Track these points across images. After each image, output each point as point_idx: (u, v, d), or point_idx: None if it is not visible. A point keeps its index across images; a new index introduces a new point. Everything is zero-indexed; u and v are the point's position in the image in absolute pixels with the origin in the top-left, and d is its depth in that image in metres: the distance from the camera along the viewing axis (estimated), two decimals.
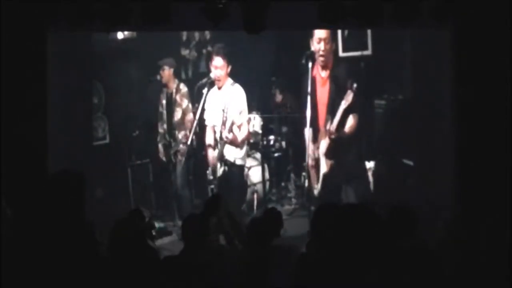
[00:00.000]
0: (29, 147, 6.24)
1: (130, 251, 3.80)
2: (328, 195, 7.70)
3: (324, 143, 7.76)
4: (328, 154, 7.76)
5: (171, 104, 8.64)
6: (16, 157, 6.15)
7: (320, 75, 7.80)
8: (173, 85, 8.64)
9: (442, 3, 6.24)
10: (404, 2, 6.18)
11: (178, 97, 8.57)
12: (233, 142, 7.79)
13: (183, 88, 8.61)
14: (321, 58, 7.70)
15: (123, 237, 3.85)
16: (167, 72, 8.62)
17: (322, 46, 7.65)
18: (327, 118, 7.72)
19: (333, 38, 7.91)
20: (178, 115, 8.59)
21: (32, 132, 6.29)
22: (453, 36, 6.68)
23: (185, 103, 8.55)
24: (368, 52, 8.61)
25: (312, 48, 7.73)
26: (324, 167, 7.78)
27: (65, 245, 3.67)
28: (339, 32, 8.60)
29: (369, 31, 8.47)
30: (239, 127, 7.80)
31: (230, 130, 7.69)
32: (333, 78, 7.73)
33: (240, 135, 7.84)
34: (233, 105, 7.73)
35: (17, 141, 6.19)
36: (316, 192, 7.86)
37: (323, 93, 7.79)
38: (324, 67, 7.76)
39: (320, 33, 7.65)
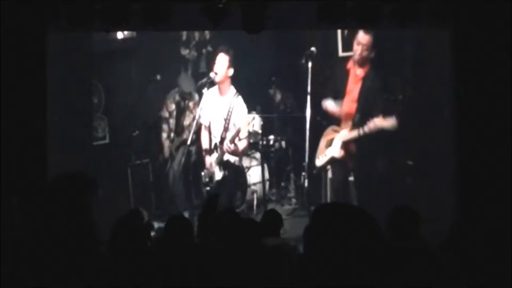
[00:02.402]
0: (29, 147, 6.24)
1: (129, 251, 3.81)
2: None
3: (345, 133, 7.89)
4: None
5: (183, 108, 8.73)
6: (16, 157, 6.15)
7: (355, 71, 7.87)
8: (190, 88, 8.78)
9: (442, 3, 6.24)
10: (404, 2, 6.18)
11: (191, 104, 8.68)
12: (234, 153, 7.92)
13: (195, 95, 8.72)
14: (357, 58, 7.81)
15: (123, 237, 3.85)
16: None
17: (359, 50, 7.75)
18: (356, 115, 7.83)
19: (373, 47, 7.89)
20: (186, 119, 8.67)
21: (32, 132, 6.29)
22: (453, 36, 6.68)
23: (195, 109, 8.62)
24: None
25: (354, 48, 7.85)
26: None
27: (67, 244, 3.68)
28: (339, 32, 8.60)
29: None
30: (240, 139, 7.87)
31: (232, 142, 7.78)
32: (365, 81, 7.81)
33: (241, 146, 7.98)
34: (237, 117, 7.84)
35: (17, 141, 6.19)
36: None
37: (354, 90, 7.87)
38: (360, 66, 7.84)
39: (361, 38, 7.74)
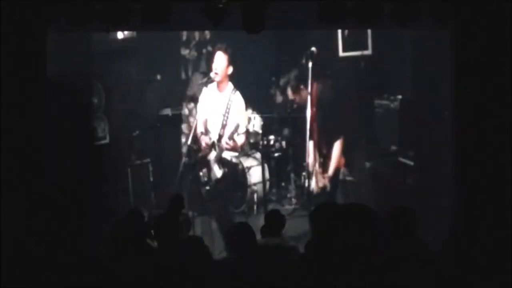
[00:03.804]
0: (29, 147, 6.24)
1: (129, 251, 3.81)
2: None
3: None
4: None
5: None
6: (16, 157, 6.15)
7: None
8: None
9: (442, 3, 6.25)
10: (404, 2, 6.18)
11: None
12: (233, 149, 7.96)
13: None
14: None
15: (123, 237, 3.86)
16: None
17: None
18: (320, 139, 7.91)
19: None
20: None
21: (32, 132, 6.29)
22: (453, 36, 6.68)
23: None
24: (368, 52, 8.62)
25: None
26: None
27: (67, 245, 3.69)
28: (339, 32, 8.61)
29: (369, 31, 8.47)
30: (239, 134, 7.90)
31: (231, 138, 7.80)
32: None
33: (239, 141, 8.02)
34: (235, 112, 7.84)
35: (17, 141, 6.19)
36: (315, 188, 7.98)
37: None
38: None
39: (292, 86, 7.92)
